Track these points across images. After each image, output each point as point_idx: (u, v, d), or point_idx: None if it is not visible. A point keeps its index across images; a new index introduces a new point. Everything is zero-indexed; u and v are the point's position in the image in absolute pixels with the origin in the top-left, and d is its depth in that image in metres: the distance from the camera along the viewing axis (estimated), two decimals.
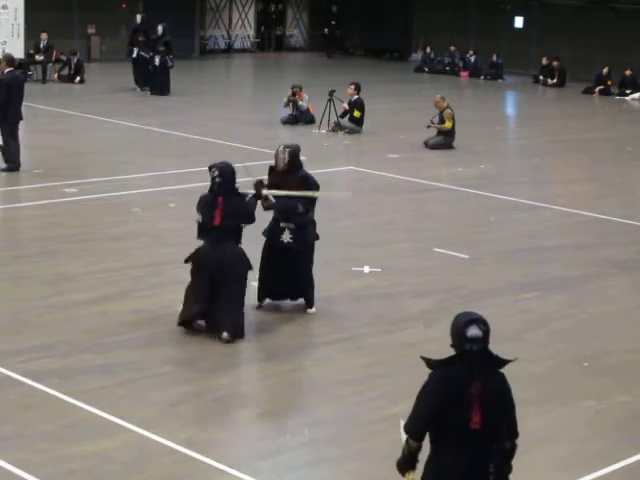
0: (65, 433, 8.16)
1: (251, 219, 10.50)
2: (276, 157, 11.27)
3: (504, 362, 5.79)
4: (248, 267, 10.46)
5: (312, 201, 11.22)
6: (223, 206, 10.32)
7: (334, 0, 40.86)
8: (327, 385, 9.39)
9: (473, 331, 5.66)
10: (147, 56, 28.80)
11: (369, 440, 8.28)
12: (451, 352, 5.81)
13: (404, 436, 5.80)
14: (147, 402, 8.81)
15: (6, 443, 7.96)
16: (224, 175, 10.40)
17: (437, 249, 13.96)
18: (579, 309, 11.77)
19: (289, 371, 9.75)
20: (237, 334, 10.25)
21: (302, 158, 11.64)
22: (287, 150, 11.30)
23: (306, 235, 11.19)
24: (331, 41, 41.95)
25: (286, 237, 11.14)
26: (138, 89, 28.83)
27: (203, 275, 10.34)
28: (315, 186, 11.26)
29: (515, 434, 5.83)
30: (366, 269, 12.87)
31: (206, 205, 10.46)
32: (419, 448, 5.75)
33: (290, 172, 11.22)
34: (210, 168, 10.50)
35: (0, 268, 12.36)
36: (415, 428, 5.74)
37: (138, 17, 30.34)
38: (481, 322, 5.71)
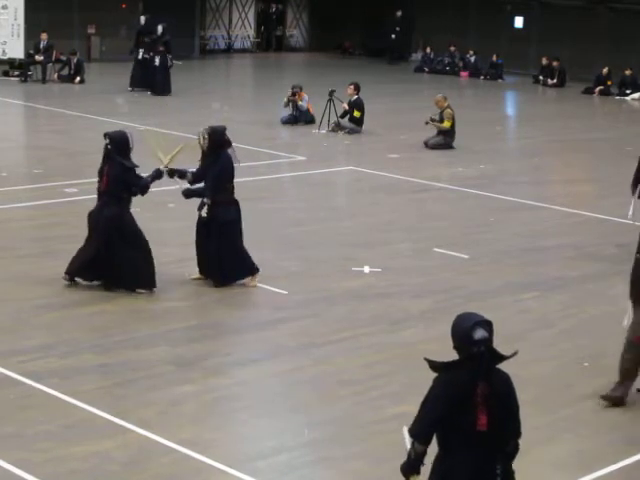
0: (65, 433, 8.17)
1: (131, 189, 11.43)
2: (198, 139, 11.87)
3: (506, 358, 5.78)
4: (122, 230, 11.37)
5: (220, 184, 11.76)
6: (109, 173, 11.31)
7: (400, 5, 40.22)
8: (327, 385, 9.40)
9: (480, 333, 5.63)
10: (146, 57, 28.83)
11: (369, 440, 8.28)
12: (453, 353, 5.80)
13: (408, 440, 5.79)
14: (147, 402, 8.81)
15: (6, 443, 7.96)
16: (113, 143, 11.39)
17: (437, 249, 13.97)
18: (579, 309, 11.77)
19: (289, 371, 9.76)
20: (126, 286, 11.41)
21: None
22: (207, 132, 11.86)
23: (220, 213, 11.74)
24: (395, 47, 40.51)
25: (204, 212, 11.83)
26: (131, 89, 28.83)
27: (89, 236, 11.52)
28: (217, 173, 11.77)
29: (518, 434, 5.83)
30: (366, 269, 12.87)
31: (98, 171, 11.57)
32: (425, 452, 5.73)
33: (210, 153, 11.82)
34: (105, 135, 11.47)
35: (0, 268, 12.36)
36: (421, 432, 5.72)
37: (142, 19, 30.35)
38: (486, 323, 5.69)
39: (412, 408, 8.79)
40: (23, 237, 13.96)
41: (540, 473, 7.83)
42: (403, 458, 5.81)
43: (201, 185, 11.90)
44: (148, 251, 11.61)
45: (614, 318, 11.68)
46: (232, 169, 11.93)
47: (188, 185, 12.05)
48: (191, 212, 15.48)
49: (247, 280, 12.01)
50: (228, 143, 11.96)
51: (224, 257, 11.83)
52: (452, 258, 13.60)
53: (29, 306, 11.09)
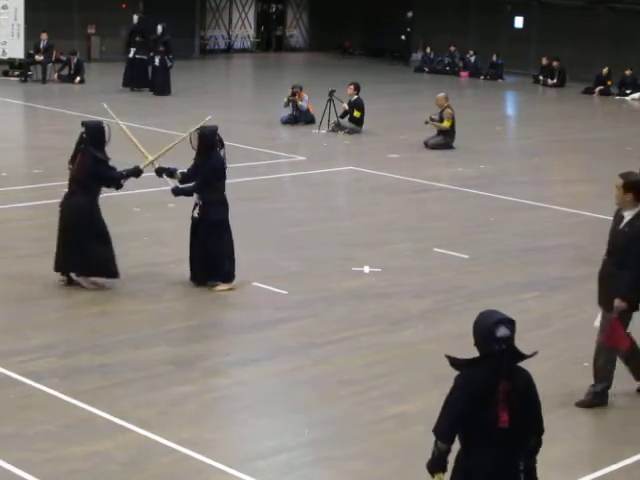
0: (65, 433, 8.17)
1: (101, 181, 11.64)
2: (189, 139, 11.92)
3: (527, 356, 5.80)
4: (88, 220, 11.55)
5: (210, 184, 11.77)
6: (81, 161, 11.44)
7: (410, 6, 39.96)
8: (327, 385, 9.40)
9: (502, 331, 5.66)
10: (144, 57, 28.86)
11: (369, 440, 8.28)
12: (454, 352, 5.80)
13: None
14: (147, 402, 8.81)
15: (6, 443, 7.96)
16: (89, 132, 11.52)
17: (437, 249, 13.97)
18: (579, 309, 11.77)
19: (289, 371, 9.75)
20: (82, 271, 11.58)
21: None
22: (197, 132, 11.88)
23: (210, 212, 11.76)
24: (407, 46, 40.21)
25: (195, 212, 11.88)
26: (130, 88, 28.89)
27: (59, 224, 11.77)
28: (206, 172, 11.79)
29: (541, 431, 5.87)
30: (366, 269, 12.87)
31: (71, 157, 11.67)
32: (448, 450, 5.77)
33: (200, 153, 11.85)
34: (82, 124, 11.64)
35: (0, 268, 12.36)
36: (444, 431, 5.75)
37: (135, 17, 30.38)
38: (508, 321, 5.72)
39: (412, 408, 8.84)
40: (23, 237, 13.95)
41: (540, 473, 7.80)
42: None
43: (190, 184, 11.91)
44: (109, 242, 11.72)
45: None
46: (223, 169, 11.91)
47: (178, 184, 12.06)
48: (191, 212, 15.49)
49: (218, 284, 11.86)
50: (220, 143, 11.95)
51: (210, 257, 11.79)
52: (452, 258, 13.60)
53: (29, 306, 11.09)
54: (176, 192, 12.05)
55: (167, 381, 9.31)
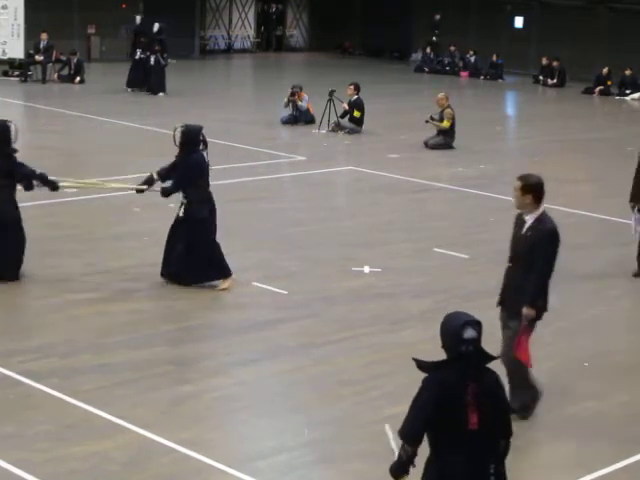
0: (65, 433, 8.16)
1: (7, 176, 11.95)
2: (173, 136, 11.93)
3: (495, 358, 5.77)
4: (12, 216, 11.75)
5: (190, 181, 11.78)
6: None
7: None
8: (327, 385, 9.40)
9: (469, 333, 5.64)
10: (145, 57, 28.91)
11: (369, 440, 8.28)
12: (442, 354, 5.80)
13: (392, 439, 5.77)
14: (147, 402, 8.81)
15: (6, 443, 7.96)
16: None
17: (437, 249, 13.97)
18: (579, 309, 11.77)
19: (289, 371, 9.75)
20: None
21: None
22: (181, 128, 11.92)
23: (194, 211, 11.77)
24: (434, 47, 39.46)
25: (181, 211, 11.89)
26: (129, 90, 28.88)
27: None
28: (184, 169, 11.81)
29: (509, 433, 5.82)
30: (366, 269, 12.87)
31: None
32: (415, 453, 5.72)
33: (181, 151, 11.86)
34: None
35: None
36: (411, 433, 5.71)
37: (138, 18, 30.37)
38: (475, 323, 5.69)
39: None
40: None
41: (540, 473, 7.83)
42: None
43: (170, 182, 11.97)
44: (21, 243, 11.75)
45: (614, 318, 11.70)
46: (203, 167, 11.87)
47: (162, 185, 12.08)
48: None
49: (219, 282, 11.89)
50: (203, 143, 11.93)
51: (194, 256, 11.78)
52: (452, 258, 13.60)
53: (30, 306, 11.09)
54: (164, 193, 12.07)
55: (167, 381, 9.31)
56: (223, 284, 11.84)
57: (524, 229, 8.60)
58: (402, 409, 8.66)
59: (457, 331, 5.65)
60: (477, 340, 5.66)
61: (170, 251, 11.95)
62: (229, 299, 11.65)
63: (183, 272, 11.82)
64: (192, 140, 11.82)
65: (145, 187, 12.28)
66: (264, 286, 12.04)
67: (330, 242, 14.17)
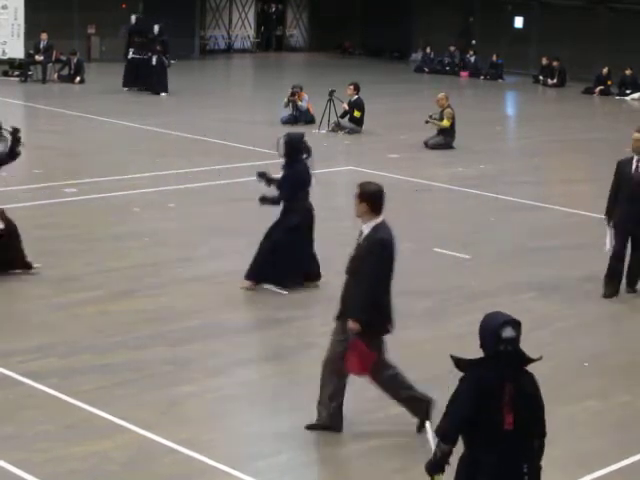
0: (65, 433, 8.17)
1: None
2: (277, 146, 11.92)
3: (533, 360, 5.80)
4: None
5: (294, 191, 11.80)
6: None
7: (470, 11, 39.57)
8: None
9: (508, 332, 5.65)
10: (143, 57, 28.92)
11: (369, 440, 8.28)
12: (453, 353, 5.79)
13: (431, 437, 5.76)
14: (147, 402, 8.81)
15: (6, 443, 7.96)
16: None
17: (437, 249, 13.96)
18: (579, 309, 11.77)
19: (289, 371, 9.75)
20: None
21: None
22: (283, 139, 11.88)
23: (286, 218, 11.91)
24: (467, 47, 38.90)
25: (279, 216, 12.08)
26: (125, 89, 28.92)
27: None
28: (290, 181, 11.82)
29: (543, 434, 5.85)
30: None
31: None
32: (451, 452, 5.74)
33: (286, 160, 11.86)
34: None
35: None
36: (449, 433, 5.72)
37: (133, 18, 30.39)
38: (515, 323, 5.72)
39: None
40: (23, 237, 13.93)
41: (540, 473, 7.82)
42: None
43: (277, 193, 11.95)
44: None
45: (614, 318, 11.70)
46: (307, 177, 11.90)
47: (272, 191, 12.07)
48: (191, 212, 15.53)
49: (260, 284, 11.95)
50: (306, 150, 11.94)
51: (274, 257, 11.81)
52: (452, 258, 13.60)
53: (30, 306, 11.09)
54: (262, 201, 12.00)
55: (167, 381, 9.31)
56: (244, 284, 11.86)
57: (361, 238, 8.23)
58: (402, 409, 8.68)
59: (496, 330, 5.66)
60: (516, 340, 5.68)
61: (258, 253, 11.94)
62: (229, 299, 11.64)
63: (269, 272, 11.83)
64: (295, 149, 11.84)
65: (269, 179, 12.18)
66: (264, 286, 12.03)
67: (330, 242, 14.16)
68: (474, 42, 39.02)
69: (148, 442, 8.07)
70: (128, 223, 14.71)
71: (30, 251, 13.02)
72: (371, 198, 8.10)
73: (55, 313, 10.93)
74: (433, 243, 14.23)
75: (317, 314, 11.22)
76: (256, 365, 9.89)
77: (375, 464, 7.89)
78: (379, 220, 8.13)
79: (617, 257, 12.07)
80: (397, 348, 10.35)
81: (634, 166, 12.14)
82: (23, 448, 7.88)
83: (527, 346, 10.42)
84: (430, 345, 10.21)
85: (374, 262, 8.06)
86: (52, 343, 10.02)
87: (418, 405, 8.22)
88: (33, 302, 11.22)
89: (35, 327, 10.48)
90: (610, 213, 12.21)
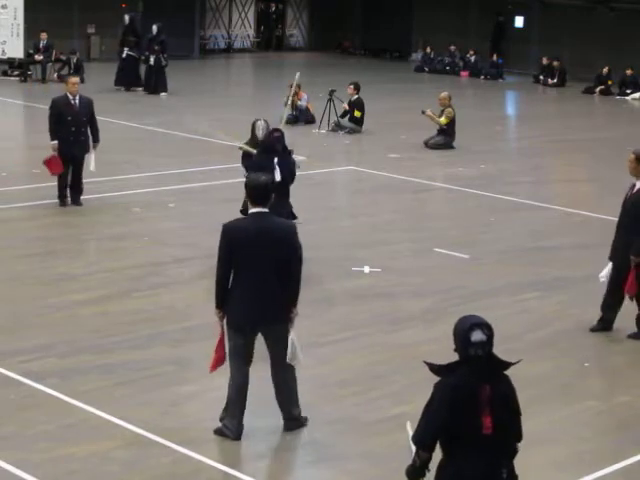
0: (65, 433, 8.16)
1: None
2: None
3: (508, 365, 5.72)
4: None
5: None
6: None
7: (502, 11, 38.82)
8: (327, 385, 9.39)
9: (477, 336, 5.56)
10: (137, 56, 28.98)
11: (369, 440, 8.28)
12: (454, 353, 5.78)
13: (413, 445, 5.73)
14: (147, 402, 8.80)
15: (6, 443, 7.96)
16: None
17: (437, 249, 13.96)
18: (579, 309, 11.76)
19: None
20: None
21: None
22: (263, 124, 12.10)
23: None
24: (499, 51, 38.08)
25: None
26: (118, 88, 28.96)
27: None
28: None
29: (520, 437, 5.80)
30: (366, 269, 12.87)
31: None
32: (429, 459, 5.67)
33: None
34: None
35: (0, 268, 12.36)
36: (425, 439, 5.65)
37: (126, 17, 30.38)
38: (485, 326, 5.61)
39: (412, 408, 8.80)
40: (23, 237, 13.94)
41: (540, 473, 7.82)
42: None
43: None
44: None
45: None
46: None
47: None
48: (191, 212, 15.52)
49: None
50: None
51: None
52: (452, 258, 13.60)
53: (29, 306, 11.09)
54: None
55: (167, 381, 9.30)
56: None
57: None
58: (402, 409, 8.68)
59: (466, 334, 5.58)
60: (486, 343, 5.59)
61: None
62: None
63: None
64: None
65: None
66: None
67: (330, 242, 14.16)
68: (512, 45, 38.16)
69: (148, 442, 8.07)
70: (128, 223, 14.70)
71: (30, 251, 13.05)
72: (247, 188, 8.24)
73: (55, 313, 10.93)
74: (433, 243, 14.23)
75: (317, 314, 11.21)
76: (256, 365, 9.86)
77: (375, 464, 7.89)
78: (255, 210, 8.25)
79: (608, 290, 11.11)
80: (396, 348, 10.37)
81: (627, 193, 11.72)
82: (23, 448, 7.87)
83: (527, 346, 10.45)
84: (430, 345, 10.20)
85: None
86: (52, 343, 10.01)
87: None
88: (33, 302, 11.21)
89: (35, 327, 10.48)
90: (613, 255, 11.07)
